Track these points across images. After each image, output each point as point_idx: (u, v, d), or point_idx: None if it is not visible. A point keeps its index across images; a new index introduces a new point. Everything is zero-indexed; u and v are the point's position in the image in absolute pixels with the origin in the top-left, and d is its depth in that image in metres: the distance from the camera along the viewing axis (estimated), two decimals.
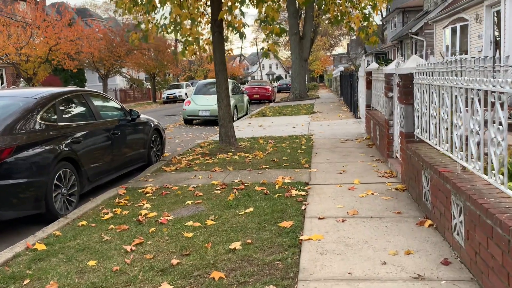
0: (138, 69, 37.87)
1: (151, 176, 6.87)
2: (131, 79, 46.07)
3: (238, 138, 10.50)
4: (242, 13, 7.52)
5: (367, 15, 9.11)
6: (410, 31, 25.78)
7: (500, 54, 13.68)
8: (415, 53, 26.28)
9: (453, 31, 18.12)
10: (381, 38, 61.14)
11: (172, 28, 7.11)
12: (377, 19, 59.08)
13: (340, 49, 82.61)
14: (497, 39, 14.54)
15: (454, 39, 17.87)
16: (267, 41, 8.46)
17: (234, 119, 15.86)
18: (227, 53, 10.05)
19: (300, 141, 9.57)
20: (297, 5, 26.99)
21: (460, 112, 3.58)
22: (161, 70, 39.51)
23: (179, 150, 9.71)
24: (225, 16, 7.85)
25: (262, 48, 8.25)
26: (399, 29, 34.86)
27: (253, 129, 12.84)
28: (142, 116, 8.17)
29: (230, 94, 16.15)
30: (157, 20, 7.81)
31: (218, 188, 5.87)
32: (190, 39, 7.65)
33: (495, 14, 14.74)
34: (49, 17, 23.06)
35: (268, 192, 5.50)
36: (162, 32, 7.31)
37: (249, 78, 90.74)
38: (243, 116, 17.67)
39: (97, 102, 6.66)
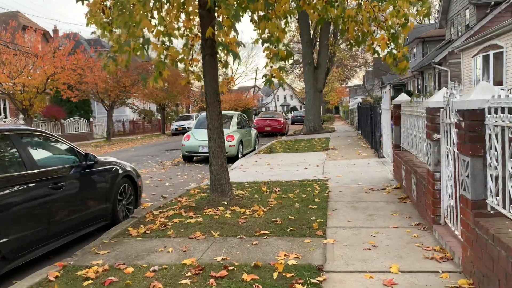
0: (147, 100, 36.69)
1: (107, 245, 5.04)
2: (141, 110, 45.05)
3: (238, 183, 8.67)
4: (236, 31, 5.81)
5: (395, 34, 7.33)
6: (433, 60, 24.03)
7: None
8: (439, 85, 24.43)
9: (485, 59, 16.28)
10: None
11: (139, 46, 5.41)
12: None
13: (356, 80, 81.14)
14: None
15: (487, 68, 16.01)
16: (271, 66, 6.72)
17: (240, 156, 14.07)
18: (228, 83, 8.37)
19: (313, 189, 7.68)
20: (311, 34, 25.61)
21: None
22: (171, 101, 38.30)
23: (164, 198, 7.89)
24: (215, 35, 6.16)
25: (265, 75, 6.51)
26: (418, 59, 33.17)
27: (259, 169, 11.01)
28: (109, 159, 6.43)
29: (235, 128, 14.53)
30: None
31: (189, 274, 4.00)
32: (167, 61, 5.93)
33: None
34: (49, 46, 21.99)
35: (261, 287, 3.61)
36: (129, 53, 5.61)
37: (263, 109, 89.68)
38: (250, 151, 15.89)
39: (34, 146, 4.94)
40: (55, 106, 28.59)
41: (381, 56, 7.86)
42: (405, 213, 5.78)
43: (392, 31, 7.45)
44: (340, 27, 7.60)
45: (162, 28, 5.87)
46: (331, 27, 24.88)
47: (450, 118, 4.39)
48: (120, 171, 6.25)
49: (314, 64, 24.71)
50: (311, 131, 24.68)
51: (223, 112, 16.60)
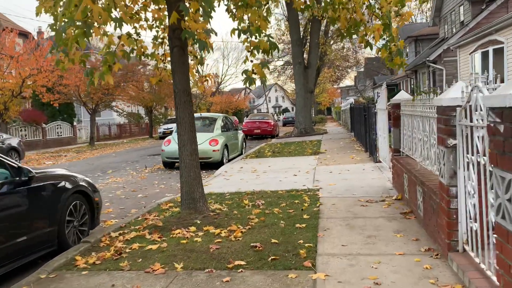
0: (133, 102, 35.51)
1: (43, 283, 4.01)
2: (129, 113, 43.84)
3: (218, 194, 7.67)
4: (208, 15, 4.80)
5: (388, 23, 6.37)
6: (427, 59, 23.17)
7: None
8: (433, 84, 23.60)
9: (484, 55, 15.41)
10: (390, 69, 58.95)
11: (76, 30, 4.36)
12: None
13: (348, 81, 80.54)
14: None
15: (486, 64, 15.15)
16: (251, 61, 5.74)
17: (225, 161, 13.05)
18: (205, 81, 7.38)
19: (302, 202, 6.69)
20: (302, 33, 24.67)
21: None
22: (159, 104, 37.16)
23: (131, 214, 6.86)
24: (181, 22, 5.14)
25: (245, 72, 5.51)
26: (411, 58, 32.36)
27: (243, 176, 10.00)
28: (57, 172, 5.40)
29: (220, 132, 13.49)
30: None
31: None
32: (110, 50, 4.88)
33: None
34: (25, 47, 20.80)
35: None
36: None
37: (255, 111, 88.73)
38: (237, 156, 14.87)
39: None
40: (35, 110, 27.38)
41: (375, 49, 6.91)
42: (410, 234, 4.80)
43: (387, 21, 6.51)
44: (329, 16, 6.64)
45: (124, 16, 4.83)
46: (322, 26, 23.96)
47: (472, 119, 3.43)
48: (69, 187, 5.21)
49: (305, 64, 23.78)
50: (302, 133, 23.72)
51: (207, 114, 15.69)
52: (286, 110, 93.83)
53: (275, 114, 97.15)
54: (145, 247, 4.83)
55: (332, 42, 37.84)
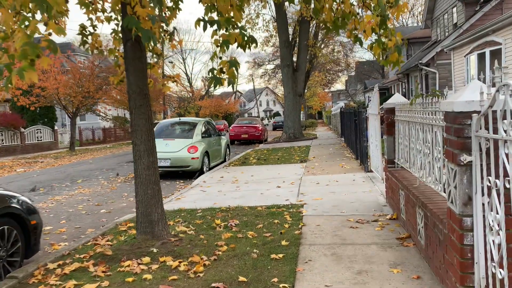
0: (118, 105, 34.41)
1: None
2: (114, 117, 42.69)
3: (189, 211, 6.74)
4: (159, 2, 3.87)
5: (384, 17, 5.48)
6: (420, 61, 22.42)
7: None
8: (426, 87, 22.87)
9: (480, 57, 14.65)
10: (381, 73, 58.41)
11: None
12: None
13: (339, 85, 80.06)
14: None
15: (483, 66, 14.38)
16: (220, 58, 4.82)
17: (205, 169, 12.10)
18: (174, 81, 6.47)
19: (283, 221, 5.77)
20: (290, 35, 23.84)
21: None
22: None
23: (84, 236, 5.88)
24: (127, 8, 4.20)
25: (211, 71, 4.59)
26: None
27: (222, 188, 9.07)
28: None
29: (200, 138, 12.51)
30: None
31: None
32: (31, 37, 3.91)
33: None
34: None
35: None
36: None
37: (245, 115, 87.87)
38: (219, 163, 13.93)
39: None
40: (13, 114, 26.22)
41: (366, 45, 6.02)
42: (410, 269, 3.89)
43: (383, 13, 5.61)
44: (313, 6, 5.74)
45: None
46: (311, 27, 23.15)
47: (497, 130, 2.54)
48: None
49: (294, 66, 22.93)
50: (291, 138, 22.86)
51: (186, 119, 14.68)
52: (277, 114, 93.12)
53: (266, 118, 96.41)
54: (82, 286, 3.87)
55: (322, 45, 37.09)
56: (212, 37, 4.80)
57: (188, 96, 56.90)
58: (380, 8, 5.41)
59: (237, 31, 4.73)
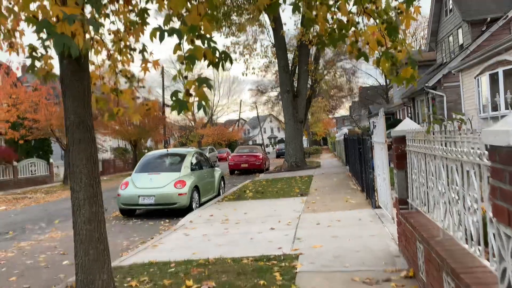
0: (116, 136, 33.56)
1: None
2: (114, 148, 41.90)
3: (159, 265, 5.59)
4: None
5: (392, 24, 4.41)
6: (426, 85, 21.43)
7: None
8: (435, 111, 21.78)
9: (493, 78, 13.59)
10: (385, 98, 57.54)
11: None
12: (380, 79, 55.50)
13: (343, 111, 79.36)
14: None
15: (496, 87, 13.31)
16: (185, 77, 3.75)
17: (194, 206, 10.91)
18: (144, 107, 5.43)
19: (270, 284, 4.57)
20: (290, 61, 23.00)
21: None
22: (143, 137, 35.16)
23: None
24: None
25: (175, 94, 3.51)
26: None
27: (208, 231, 7.90)
28: None
29: (189, 171, 11.34)
30: None
31: None
32: None
33: None
34: None
35: None
36: None
37: (250, 142, 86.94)
38: (212, 198, 12.75)
39: None
40: (4, 147, 25.33)
41: (372, 60, 4.98)
42: None
43: (386, 18, 4.57)
44: (304, 15, 4.73)
45: None
46: (311, 51, 22.32)
47: None
48: None
49: (294, 92, 21.99)
50: (293, 167, 21.71)
51: (175, 150, 13.54)
52: (281, 141, 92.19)
53: (271, 145, 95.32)
54: None
55: (325, 71, 36.33)
56: (174, 52, 3.74)
57: (190, 124, 56.18)
58: (387, 13, 4.38)
59: (204, 46, 3.69)
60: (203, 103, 3.32)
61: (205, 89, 3.70)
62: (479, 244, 2.83)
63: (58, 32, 2.62)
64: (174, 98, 3.62)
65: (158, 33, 3.75)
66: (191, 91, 3.68)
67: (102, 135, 30.53)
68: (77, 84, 3.85)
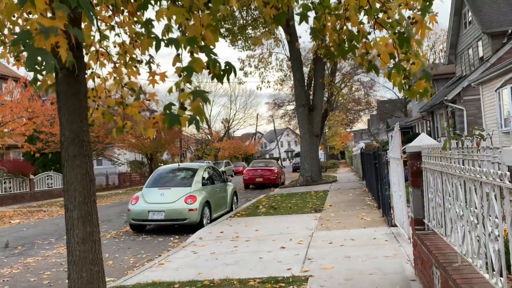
0: (132, 150, 33.77)
1: None
2: (130, 161, 42.13)
3: (163, 286, 5.35)
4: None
5: (405, 35, 4.16)
6: (445, 98, 20.96)
7: None
8: (454, 125, 21.24)
9: None
10: (403, 111, 56.80)
11: None
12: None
13: (361, 124, 78.59)
14: None
15: None
16: (182, 90, 3.55)
17: (205, 222, 10.67)
18: (152, 121, 5.25)
19: None
20: (306, 74, 22.80)
21: None
22: (159, 151, 35.28)
23: None
24: None
25: (168, 107, 3.32)
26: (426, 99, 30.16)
27: (217, 249, 7.65)
28: None
29: (200, 186, 11.14)
30: None
31: None
32: None
33: None
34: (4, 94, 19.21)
35: None
36: None
37: (267, 156, 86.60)
38: (225, 213, 12.51)
39: None
40: (21, 160, 25.61)
41: (382, 73, 4.72)
42: None
43: (398, 28, 4.33)
44: (312, 25, 4.53)
45: None
46: (327, 63, 22.09)
47: None
48: None
49: (309, 106, 21.75)
50: (308, 182, 21.34)
51: (186, 165, 13.40)
52: (298, 154, 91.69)
53: (288, 159, 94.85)
54: None
55: (342, 84, 36.01)
56: (173, 64, 3.56)
57: (207, 138, 56.30)
58: (400, 23, 4.15)
59: (207, 58, 3.50)
60: (197, 117, 3.11)
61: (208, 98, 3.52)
62: (501, 275, 2.53)
63: (35, 46, 2.45)
64: (167, 112, 3.42)
65: (154, 43, 3.61)
66: (186, 105, 3.48)
67: (118, 149, 30.68)
68: (72, 99, 3.69)
